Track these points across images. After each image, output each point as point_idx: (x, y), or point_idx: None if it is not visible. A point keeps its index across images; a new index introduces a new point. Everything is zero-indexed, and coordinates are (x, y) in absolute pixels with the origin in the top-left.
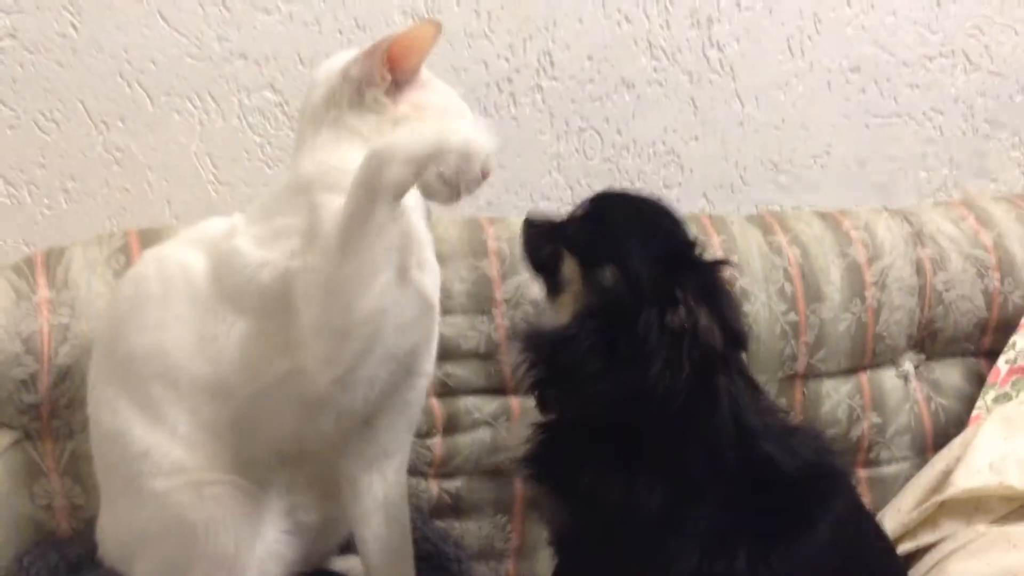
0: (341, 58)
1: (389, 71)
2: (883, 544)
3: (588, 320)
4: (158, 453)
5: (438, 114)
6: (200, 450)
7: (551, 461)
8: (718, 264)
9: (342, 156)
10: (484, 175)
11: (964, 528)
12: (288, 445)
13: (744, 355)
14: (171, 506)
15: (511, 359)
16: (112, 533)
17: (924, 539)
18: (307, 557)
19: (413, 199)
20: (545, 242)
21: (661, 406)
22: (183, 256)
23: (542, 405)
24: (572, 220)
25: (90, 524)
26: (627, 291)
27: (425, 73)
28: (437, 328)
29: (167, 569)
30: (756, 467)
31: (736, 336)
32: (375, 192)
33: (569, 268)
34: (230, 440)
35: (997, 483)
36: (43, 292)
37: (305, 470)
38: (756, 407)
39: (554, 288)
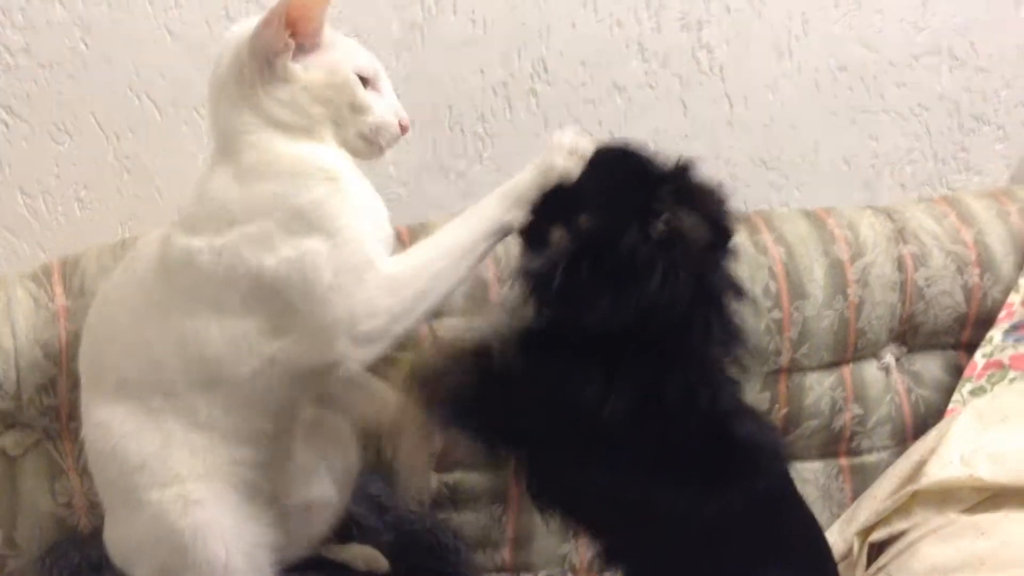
0: (242, 27)
1: (291, 36)
2: (810, 529)
3: (579, 259)
4: (155, 463)
5: (348, 72)
6: (196, 451)
7: (537, 360)
8: (686, 168)
9: (278, 142)
10: (403, 130)
11: (936, 516)
12: (283, 415)
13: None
14: (164, 516)
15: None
16: (115, 541)
17: (898, 526)
18: (296, 541)
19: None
20: (540, 219)
21: (665, 316)
22: (134, 276)
23: (540, 307)
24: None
25: None
26: (605, 226)
27: (328, 33)
28: None
29: (159, 573)
30: (712, 425)
31: (721, 228)
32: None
33: (552, 227)
34: (225, 427)
35: (967, 475)
36: (60, 300)
37: (292, 442)
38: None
39: (535, 241)
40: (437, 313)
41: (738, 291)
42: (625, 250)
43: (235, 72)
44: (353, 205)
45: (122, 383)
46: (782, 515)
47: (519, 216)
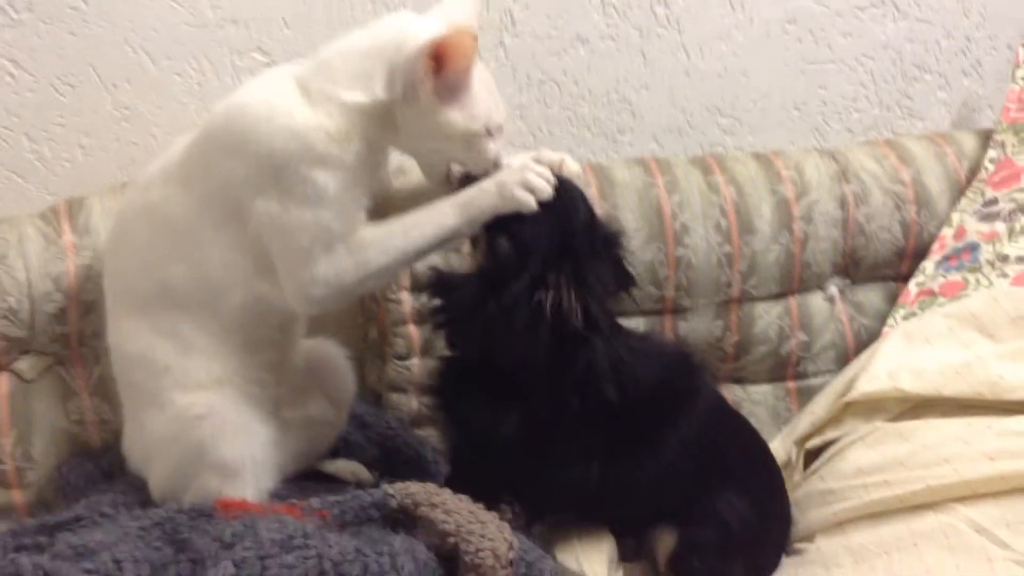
0: (413, 30)
1: (438, 72)
2: (746, 439)
3: (478, 278)
4: (177, 367)
5: (482, 127)
6: (213, 358)
7: (447, 390)
8: (609, 243)
9: (339, 131)
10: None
11: (864, 425)
12: (278, 340)
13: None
14: (184, 416)
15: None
16: (134, 445)
17: (829, 435)
18: (295, 459)
19: None
20: None
21: (520, 360)
22: (157, 194)
23: (448, 343)
24: None
25: (116, 436)
26: (515, 262)
27: (475, 71)
28: None
29: (178, 471)
30: (603, 403)
31: (592, 319)
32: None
33: (480, 231)
34: (234, 341)
35: (892, 387)
36: (68, 237)
37: (291, 365)
38: (616, 348)
39: (472, 244)
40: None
41: (615, 329)
42: (508, 296)
43: (386, 73)
44: (353, 190)
45: (144, 299)
46: (728, 436)
47: (470, 231)
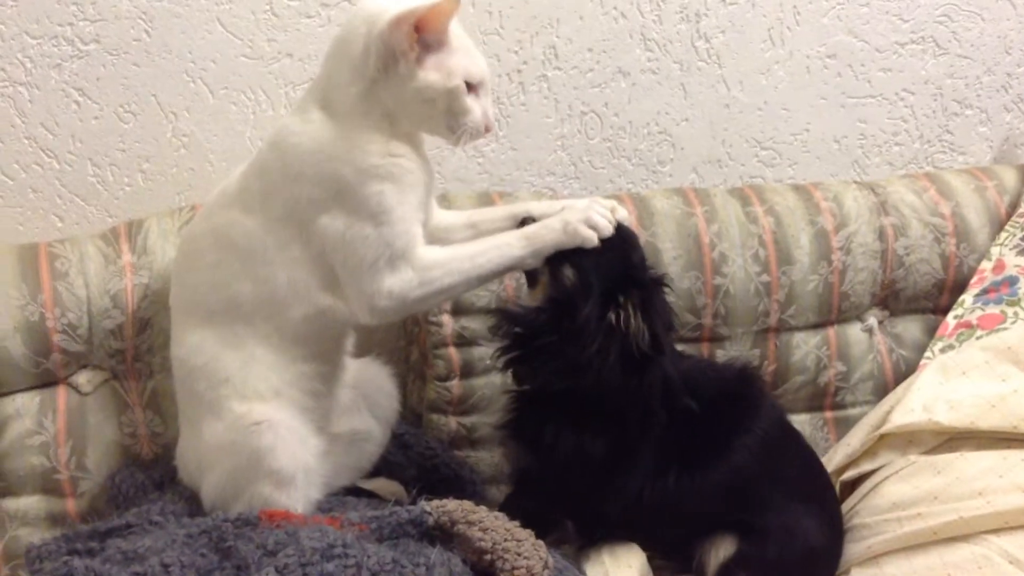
0: (383, 5)
1: (418, 43)
2: (808, 458)
3: (548, 308)
4: (238, 378)
5: (459, 80)
6: (273, 368)
7: (522, 422)
8: (659, 282)
9: (366, 128)
10: (487, 131)
11: (899, 458)
12: (332, 354)
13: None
14: (242, 425)
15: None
16: (189, 452)
17: (865, 467)
18: (340, 473)
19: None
20: None
21: (596, 381)
22: (223, 218)
23: (515, 378)
24: None
25: (168, 449)
26: (581, 288)
27: (453, 31)
28: None
29: (233, 478)
30: (680, 415)
31: (658, 341)
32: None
33: (542, 266)
34: (293, 354)
35: (927, 420)
36: (127, 257)
37: (339, 381)
38: (678, 368)
39: (531, 281)
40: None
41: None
42: (581, 318)
43: (361, 55)
44: (406, 200)
45: (211, 313)
46: (792, 449)
47: (534, 263)
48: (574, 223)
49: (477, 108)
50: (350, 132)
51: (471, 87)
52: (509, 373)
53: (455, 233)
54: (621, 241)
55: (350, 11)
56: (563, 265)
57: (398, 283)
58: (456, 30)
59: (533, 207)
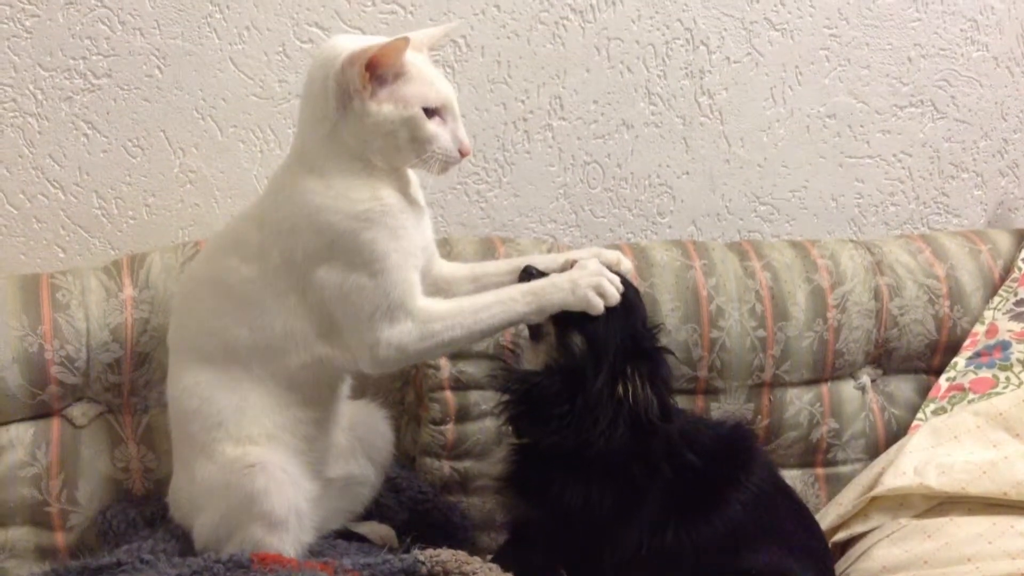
0: (336, 47)
1: (370, 81)
2: (799, 509)
3: (556, 374)
4: (231, 422)
5: (416, 108)
6: (266, 412)
7: (523, 474)
8: (664, 351)
9: (343, 173)
10: (463, 155)
11: (890, 521)
12: (327, 400)
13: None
14: (234, 467)
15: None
16: (181, 492)
17: (856, 529)
18: (333, 516)
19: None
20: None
21: (605, 447)
22: (222, 264)
23: (516, 433)
24: None
25: (160, 485)
26: (590, 359)
27: (409, 61)
28: None
29: (225, 520)
30: (681, 470)
31: (667, 409)
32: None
33: (547, 324)
34: (288, 399)
35: (918, 483)
36: (128, 291)
37: (335, 425)
38: (680, 426)
39: (535, 335)
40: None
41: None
42: (591, 390)
43: (320, 97)
44: (400, 246)
45: (207, 356)
46: (782, 509)
47: (537, 320)
48: (584, 288)
49: (443, 133)
50: (330, 179)
51: (433, 112)
52: (509, 426)
53: (458, 286)
54: (626, 303)
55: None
56: (572, 332)
57: (397, 334)
58: (416, 60)
59: (537, 260)
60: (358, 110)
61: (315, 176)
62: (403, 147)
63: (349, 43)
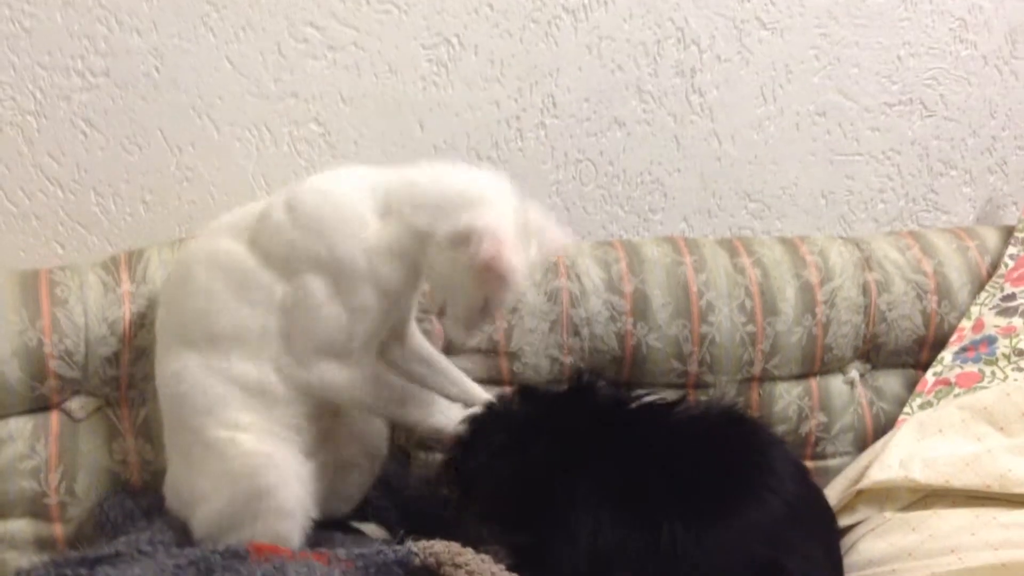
0: (485, 215)
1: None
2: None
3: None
4: (219, 409)
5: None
6: (253, 406)
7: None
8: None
9: (393, 250)
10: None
11: (876, 514)
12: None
13: None
14: (238, 460)
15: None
16: (177, 484)
17: (843, 522)
18: (327, 501)
19: None
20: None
21: None
22: (223, 244)
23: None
24: None
25: (157, 477)
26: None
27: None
28: None
29: (226, 511)
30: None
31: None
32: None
33: None
34: (275, 394)
35: (903, 476)
36: (126, 285)
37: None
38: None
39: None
40: None
41: None
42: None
43: (442, 220)
44: (390, 315)
45: (191, 343)
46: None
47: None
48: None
49: (477, 319)
50: (388, 231)
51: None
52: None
53: (415, 365)
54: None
55: (483, 173)
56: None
57: (332, 372)
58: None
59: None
60: (450, 261)
61: (378, 217)
62: (446, 295)
63: (494, 217)
